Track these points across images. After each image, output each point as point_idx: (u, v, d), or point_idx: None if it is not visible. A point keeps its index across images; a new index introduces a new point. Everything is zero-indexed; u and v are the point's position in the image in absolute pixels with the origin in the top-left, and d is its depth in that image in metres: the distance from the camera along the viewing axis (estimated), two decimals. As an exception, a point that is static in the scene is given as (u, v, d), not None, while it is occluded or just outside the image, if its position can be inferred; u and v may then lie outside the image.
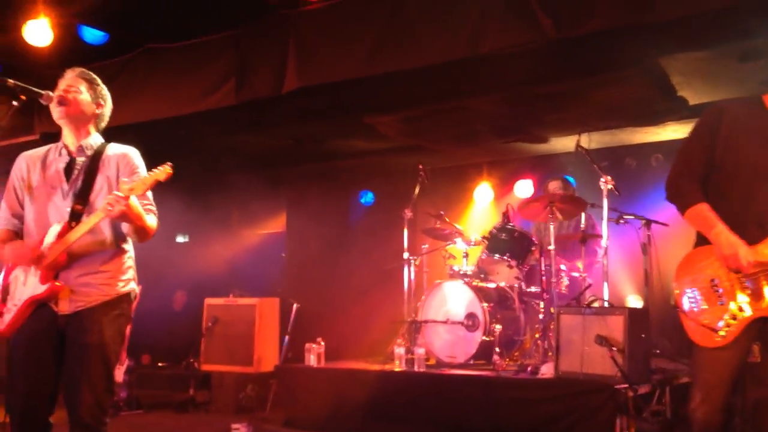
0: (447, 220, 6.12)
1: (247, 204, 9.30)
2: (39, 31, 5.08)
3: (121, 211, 2.66)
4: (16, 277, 2.88)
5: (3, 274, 2.96)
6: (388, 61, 4.76)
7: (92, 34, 5.33)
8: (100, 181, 2.89)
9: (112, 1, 4.98)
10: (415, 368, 5.24)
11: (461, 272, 5.85)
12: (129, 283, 2.97)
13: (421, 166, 6.22)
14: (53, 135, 5.73)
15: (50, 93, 2.82)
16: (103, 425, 2.78)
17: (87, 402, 2.73)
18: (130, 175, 2.91)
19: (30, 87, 2.73)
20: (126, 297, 2.94)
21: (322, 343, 5.71)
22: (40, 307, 2.82)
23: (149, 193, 2.94)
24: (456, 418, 4.83)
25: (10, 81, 2.66)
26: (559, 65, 5.05)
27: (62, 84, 2.94)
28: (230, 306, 6.77)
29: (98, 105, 3.02)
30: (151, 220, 2.90)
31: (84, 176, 2.90)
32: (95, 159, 2.95)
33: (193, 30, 5.45)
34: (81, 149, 2.96)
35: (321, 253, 7.96)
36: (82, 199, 2.84)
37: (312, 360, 5.67)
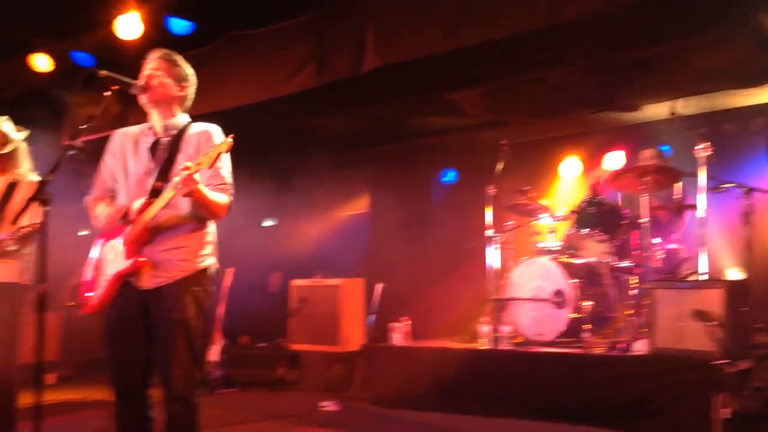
0: (532, 195, 6.00)
1: (330, 186, 9.40)
2: (129, 25, 5.27)
3: (189, 188, 2.72)
4: (106, 254, 3.01)
5: (97, 251, 3.09)
6: (468, 35, 4.67)
7: (179, 25, 5.48)
8: (181, 159, 2.95)
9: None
10: (502, 346, 5.19)
11: (547, 248, 5.74)
12: (207, 258, 3.04)
13: (504, 142, 6.11)
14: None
15: (140, 83, 2.92)
16: (194, 396, 2.89)
17: (177, 376, 2.84)
18: None
19: (121, 77, 2.83)
20: (205, 272, 3.01)
21: (407, 322, 5.73)
22: (127, 282, 2.94)
23: (226, 173, 3.00)
24: (544, 397, 4.76)
25: (102, 72, 2.76)
26: (650, 28, 4.82)
27: (146, 69, 3.02)
28: (316, 287, 6.89)
29: (182, 87, 3.08)
30: (221, 198, 2.94)
31: (166, 155, 2.99)
32: (178, 138, 3.03)
33: (274, 15, 5.51)
34: (166, 129, 3.05)
35: (404, 232, 7.96)
36: (163, 176, 2.92)
37: (397, 339, 5.70)
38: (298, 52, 5.39)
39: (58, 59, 5.92)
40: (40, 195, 2.66)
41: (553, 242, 5.79)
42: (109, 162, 3.11)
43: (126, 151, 3.07)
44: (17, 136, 4.42)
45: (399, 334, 5.70)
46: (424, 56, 4.83)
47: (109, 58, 5.39)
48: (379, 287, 6.31)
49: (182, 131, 3.04)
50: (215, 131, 3.06)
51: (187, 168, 2.70)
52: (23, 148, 4.49)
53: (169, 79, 3.02)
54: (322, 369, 6.56)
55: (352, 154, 8.34)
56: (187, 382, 2.86)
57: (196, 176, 2.74)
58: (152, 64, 3.02)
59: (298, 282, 7.07)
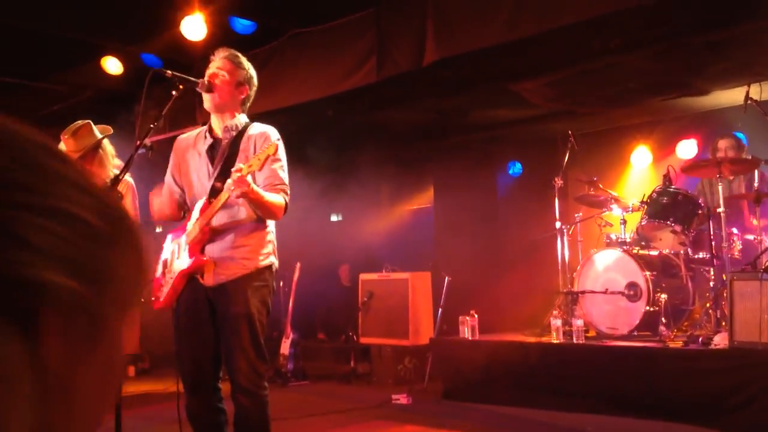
0: (601, 186, 5.85)
1: (395, 180, 9.42)
2: (194, 26, 5.39)
3: (242, 189, 2.74)
4: (173, 252, 3.10)
5: (167, 249, 3.21)
6: (531, 24, 4.57)
7: (242, 24, 5.58)
8: (240, 160, 2.99)
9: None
10: (574, 340, 5.09)
11: (619, 240, 5.60)
12: (269, 257, 3.08)
13: (570, 132, 5.98)
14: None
15: (205, 81, 2.98)
16: (262, 389, 2.94)
17: (243, 369, 2.89)
18: None
19: (187, 76, 2.89)
20: (266, 270, 3.05)
21: (476, 316, 5.69)
22: (191, 279, 3.02)
23: (283, 174, 3.03)
24: (619, 392, 4.65)
25: (169, 72, 2.83)
26: (723, 10, 4.61)
27: (211, 67, 3.07)
28: (384, 281, 6.91)
29: (243, 90, 3.11)
30: (277, 198, 2.96)
31: (226, 157, 3.04)
32: (237, 139, 3.07)
33: (334, 11, 5.54)
34: (226, 130, 3.10)
35: (470, 225, 7.90)
36: (222, 177, 2.96)
37: (466, 332, 5.66)
38: (358, 47, 5.40)
39: (128, 62, 6.12)
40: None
41: (625, 233, 5.64)
42: (173, 168, 3.22)
43: (187, 156, 3.16)
44: (100, 136, 4.60)
45: (468, 328, 5.66)
46: (486, 47, 4.76)
47: (177, 58, 5.53)
48: (447, 280, 6.28)
49: (241, 132, 3.09)
50: (273, 133, 3.09)
51: (239, 170, 2.74)
52: (107, 147, 4.67)
53: (232, 80, 3.06)
54: (392, 362, 6.58)
55: (416, 148, 8.32)
56: (252, 375, 2.91)
57: (249, 178, 2.77)
58: (217, 63, 3.07)
59: (366, 276, 7.10)
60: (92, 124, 4.59)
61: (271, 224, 3.13)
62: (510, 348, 5.35)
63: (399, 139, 7.84)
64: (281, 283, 7.69)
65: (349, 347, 7.23)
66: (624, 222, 5.68)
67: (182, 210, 3.20)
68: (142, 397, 6.55)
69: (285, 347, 6.91)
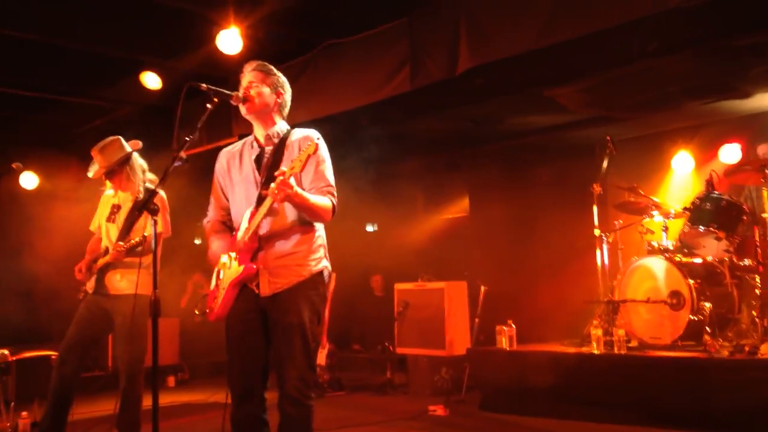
0: (641, 192, 5.74)
1: (430, 189, 9.40)
2: (230, 40, 5.45)
3: (285, 193, 2.74)
4: (224, 264, 3.10)
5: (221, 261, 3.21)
6: (565, 29, 4.51)
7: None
8: (284, 167, 2.96)
9: (293, 3, 5.21)
10: (615, 350, 4.98)
11: (661, 247, 5.47)
12: (321, 261, 3.08)
13: (608, 138, 5.88)
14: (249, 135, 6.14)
15: (239, 94, 3.01)
16: (309, 399, 2.93)
17: (292, 378, 2.89)
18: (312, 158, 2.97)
19: (221, 89, 2.92)
20: (319, 276, 3.05)
21: (513, 326, 5.61)
22: (243, 288, 3.02)
23: (329, 175, 3.04)
24: (662, 403, 4.54)
25: (204, 85, 2.85)
26: (764, 11, 4.49)
27: (243, 81, 3.11)
28: (419, 290, 6.87)
29: (278, 94, 3.15)
30: (323, 200, 2.96)
31: (271, 164, 3.04)
32: (281, 146, 3.09)
33: (368, 22, 5.56)
34: (268, 138, 3.12)
35: (506, 234, 7.83)
36: (268, 185, 2.93)
37: (504, 342, 5.59)
38: (391, 57, 5.41)
39: (167, 76, 6.22)
40: (149, 205, 2.78)
41: (667, 241, 5.52)
42: (218, 182, 3.23)
43: (231, 168, 3.17)
44: (130, 150, 4.69)
45: (505, 338, 5.59)
46: (520, 53, 4.71)
47: (213, 73, 5.60)
48: (483, 290, 6.22)
49: (284, 139, 3.11)
50: (313, 134, 3.09)
51: (281, 173, 2.74)
52: (138, 161, 4.75)
53: (266, 88, 3.09)
54: (429, 373, 6.53)
55: (450, 157, 8.29)
56: (301, 385, 2.90)
57: (292, 181, 2.76)
58: (249, 76, 3.10)
59: (401, 286, 7.07)
60: (122, 139, 4.68)
61: (320, 228, 3.12)
62: (549, 359, 5.26)
63: (433, 148, 7.82)
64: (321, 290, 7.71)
65: (385, 358, 7.20)
66: (666, 229, 5.56)
67: (232, 230, 3.20)
68: (181, 407, 6.62)
69: (321, 358, 6.92)
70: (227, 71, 5.67)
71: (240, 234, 3.03)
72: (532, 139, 7.62)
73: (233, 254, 3.03)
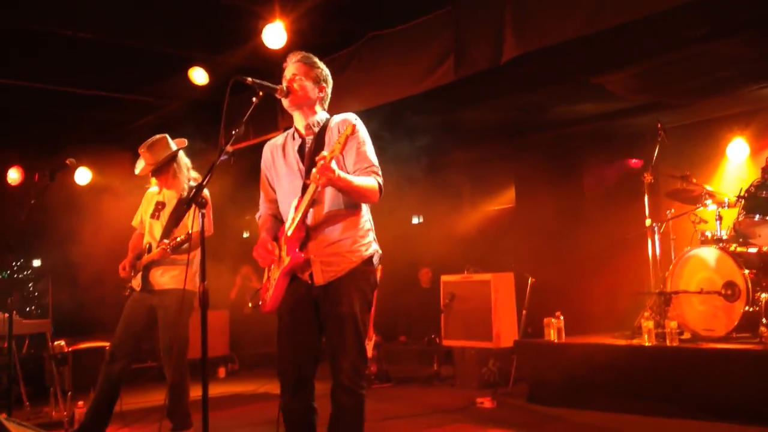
0: (694, 181, 5.59)
1: (476, 181, 9.32)
2: (275, 34, 5.48)
3: (327, 177, 2.73)
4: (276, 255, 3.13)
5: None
6: (614, 14, 4.40)
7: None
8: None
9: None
10: (667, 342, 4.87)
11: (715, 237, 5.33)
12: (371, 246, 3.09)
13: (659, 125, 5.74)
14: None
15: (283, 87, 3.03)
16: (361, 388, 2.97)
17: (345, 368, 2.92)
18: (351, 140, 2.94)
19: (266, 83, 2.94)
20: (369, 261, 3.06)
21: (561, 317, 5.54)
22: (295, 279, 3.05)
23: (371, 155, 3.03)
24: (716, 396, 4.42)
25: (249, 79, 2.87)
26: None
27: (287, 72, 3.12)
28: (465, 282, 6.83)
29: (320, 89, 3.16)
30: (368, 181, 2.95)
31: (313, 152, 3.05)
32: (321, 133, 3.10)
33: (412, 12, 5.53)
34: (309, 128, 3.14)
35: (554, 224, 7.71)
36: (310, 173, 2.94)
37: (552, 335, 5.52)
38: (436, 46, 5.36)
39: (214, 72, 6.30)
40: (196, 199, 2.82)
41: (721, 230, 5.36)
42: (265, 176, 3.26)
43: (276, 160, 3.19)
44: (176, 148, 4.77)
45: (553, 330, 5.52)
46: (567, 40, 4.62)
47: (260, 67, 5.64)
48: (530, 281, 6.15)
49: (324, 126, 3.12)
50: (353, 118, 3.09)
51: (322, 158, 2.74)
52: (183, 159, 4.83)
53: (309, 82, 3.10)
54: (476, 365, 6.50)
55: (497, 147, 8.20)
56: (353, 374, 2.94)
57: (333, 165, 2.76)
58: (291, 68, 3.12)
59: (447, 278, 7.05)
60: (168, 137, 4.77)
61: (366, 212, 3.12)
62: (598, 351, 5.18)
63: (479, 139, 7.74)
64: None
65: (431, 350, 7.18)
66: (720, 218, 5.40)
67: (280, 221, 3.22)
68: (231, 398, 6.73)
69: (368, 350, 6.93)
70: (273, 65, 5.68)
71: (287, 224, 3.05)
72: (580, 128, 7.48)
73: (283, 245, 3.05)
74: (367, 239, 3.07)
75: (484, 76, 5.22)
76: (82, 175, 8.12)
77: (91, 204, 7.41)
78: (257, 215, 3.30)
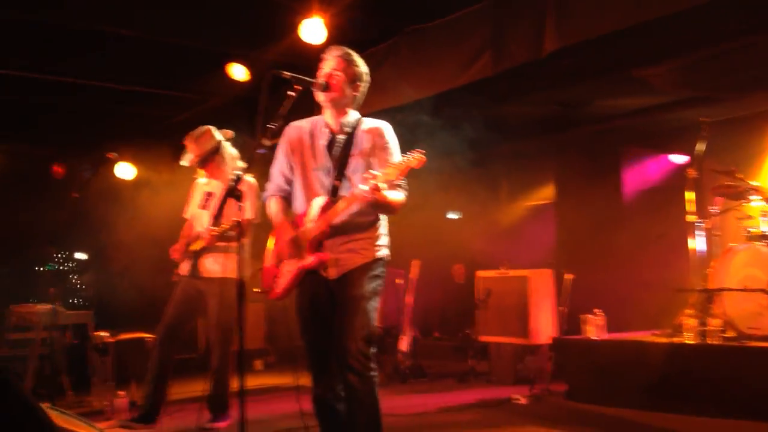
0: (739, 176, 5.44)
1: (514, 176, 9.24)
2: (313, 29, 5.50)
3: (374, 198, 2.83)
4: (288, 246, 3.17)
5: (272, 239, 3.30)
6: (658, 5, 4.31)
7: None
8: (355, 158, 3.09)
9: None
10: (710, 341, 4.77)
11: (760, 233, 5.19)
12: (383, 248, 3.18)
13: (704, 119, 5.60)
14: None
15: (321, 81, 3.03)
16: (370, 370, 2.99)
17: (352, 350, 2.96)
18: (382, 150, 3.08)
19: (303, 77, 2.95)
20: (381, 261, 3.16)
21: (600, 314, 5.46)
22: (310, 273, 3.11)
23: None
24: (760, 396, 4.30)
25: (286, 73, 2.89)
26: None
27: (325, 66, 3.13)
28: (502, 278, 6.77)
29: (356, 87, 3.18)
30: (398, 197, 3.05)
31: (342, 153, 3.10)
32: (351, 136, 3.13)
33: (451, 5, 5.49)
34: (341, 128, 3.16)
35: (594, 220, 7.59)
36: (341, 175, 3.06)
37: (591, 332, 5.45)
38: (474, 40, 5.31)
39: (254, 67, 6.35)
40: (234, 191, 2.86)
41: (766, 227, 5.22)
42: (284, 158, 3.26)
43: (303, 147, 3.21)
44: (221, 139, 4.85)
45: (593, 327, 5.44)
46: (609, 33, 4.53)
47: (298, 62, 5.67)
48: (568, 278, 6.07)
49: (355, 128, 3.15)
50: (386, 129, 3.16)
51: (374, 177, 2.80)
52: (229, 150, 4.91)
53: (346, 79, 3.12)
54: (512, 361, 6.45)
55: (536, 142, 8.11)
56: (360, 357, 2.96)
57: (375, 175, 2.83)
58: (331, 62, 3.13)
59: (483, 273, 7.00)
60: (213, 128, 4.84)
61: (384, 217, 3.20)
62: (638, 348, 5.09)
63: (518, 134, 7.66)
64: (399, 281, 7.74)
65: (466, 345, 7.15)
66: (765, 214, 5.27)
67: (290, 205, 3.28)
68: (268, 390, 6.80)
69: (403, 345, 6.94)
70: (311, 60, 5.72)
71: (310, 220, 3.08)
72: (622, 123, 7.35)
73: (301, 239, 3.10)
74: (380, 242, 3.16)
75: (524, 70, 5.17)
76: (125, 170, 8.27)
77: (133, 198, 7.54)
78: (266, 194, 3.32)
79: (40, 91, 6.96)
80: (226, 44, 6.22)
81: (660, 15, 4.31)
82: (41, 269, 8.54)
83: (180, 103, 7.68)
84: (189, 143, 4.81)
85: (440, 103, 6.13)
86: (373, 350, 3.02)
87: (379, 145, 3.09)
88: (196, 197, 4.98)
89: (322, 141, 3.17)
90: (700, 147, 5.57)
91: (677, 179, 5.77)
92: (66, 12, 5.31)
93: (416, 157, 2.81)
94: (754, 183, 5.44)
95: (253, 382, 6.98)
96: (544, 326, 6.43)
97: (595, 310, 5.50)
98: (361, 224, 3.10)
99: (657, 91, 6.11)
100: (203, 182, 4.99)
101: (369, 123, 3.17)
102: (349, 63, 3.13)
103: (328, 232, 3.05)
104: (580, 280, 6.14)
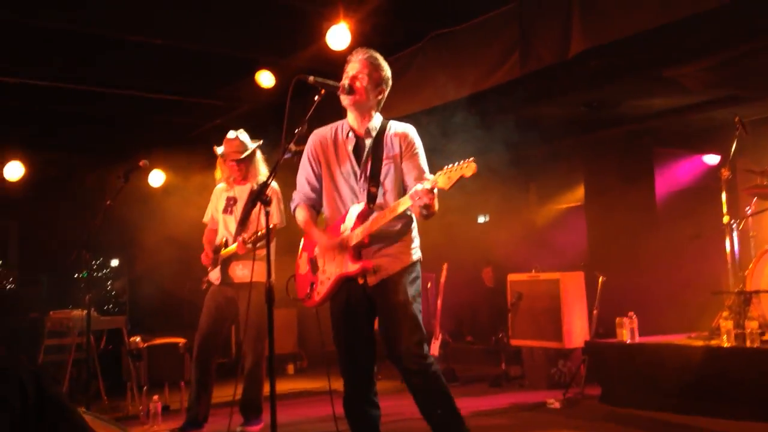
0: (774, 175, 5.34)
1: (543, 178, 9.16)
2: (339, 36, 5.52)
3: (425, 203, 2.83)
4: (325, 253, 3.20)
5: (303, 246, 3.33)
6: (688, 4, 4.24)
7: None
8: (386, 163, 3.11)
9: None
10: (748, 344, 4.66)
11: (798, 234, 5.07)
12: (417, 251, 3.21)
13: (737, 118, 5.50)
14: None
15: (345, 84, 3.05)
16: (428, 366, 3.02)
17: (406, 353, 3.00)
18: (412, 155, 3.11)
19: (328, 81, 2.97)
20: (417, 263, 3.19)
21: (634, 317, 5.38)
22: (348, 279, 3.12)
23: (427, 169, 3.14)
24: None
25: (311, 78, 2.92)
26: None
27: (350, 69, 3.14)
28: (533, 281, 6.72)
29: (381, 91, 3.19)
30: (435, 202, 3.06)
31: (372, 159, 3.12)
32: (379, 140, 3.14)
33: (477, 8, 5.47)
34: (367, 132, 3.16)
35: (625, 222, 7.50)
36: (375, 181, 3.07)
37: (624, 335, 5.38)
38: (500, 42, 5.29)
39: (281, 74, 6.40)
40: (261, 197, 2.88)
41: (805, 226, 5.11)
42: (309, 166, 3.27)
43: (327, 152, 3.22)
44: (253, 145, 4.90)
45: (626, 330, 5.37)
46: (638, 32, 4.47)
47: (324, 68, 5.70)
48: (601, 280, 5.99)
49: (381, 132, 3.17)
50: (413, 133, 3.18)
51: (432, 185, 2.80)
52: (259, 156, 4.96)
53: (371, 83, 3.13)
54: (545, 365, 6.39)
55: (564, 144, 8.04)
56: (416, 357, 2.99)
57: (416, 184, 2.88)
58: (356, 65, 3.14)
59: (514, 276, 6.95)
60: (244, 133, 4.91)
61: (414, 219, 3.23)
62: (674, 352, 5.01)
63: (547, 136, 7.60)
64: (429, 284, 7.72)
65: (499, 349, 7.10)
66: (803, 214, 5.15)
67: (317, 212, 3.31)
68: (300, 394, 6.82)
69: (434, 348, 6.91)
70: (336, 67, 5.75)
71: (347, 228, 3.09)
72: (653, 123, 7.26)
73: (341, 246, 3.10)
74: (414, 244, 3.19)
75: (551, 71, 5.13)
76: (156, 177, 8.39)
77: (164, 205, 7.64)
78: (293, 203, 3.32)
79: (74, 100, 7.09)
80: (255, 51, 6.27)
81: (687, 15, 4.25)
82: (78, 276, 8.69)
83: (209, 111, 7.76)
84: (233, 139, 4.85)
85: (468, 106, 6.11)
86: (426, 346, 3.05)
87: (408, 150, 3.12)
88: (218, 203, 5.01)
89: (349, 146, 3.17)
90: (734, 147, 5.47)
91: (711, 180, 5.68)
92: (97, 21, 5.41)
93: (469, 166, 2.75)
94: (790, 182, 5.33)
95: (285, 386, 7.02)
96: (578, 329, 6.35)
97: (629, 313, 5.43)
98: (397, 229, 3.12)
99: (688, 90, 6.02)
100: (222, 187, 5.02)
101: (396, 127, 3.18)
102: (374, 66, 3.14)
103: (368, 238, 3.06)
104: (613, 283, 6.07)
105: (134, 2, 5.21)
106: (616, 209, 7.62)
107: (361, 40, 5.45)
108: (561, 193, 9.08)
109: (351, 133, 3.19)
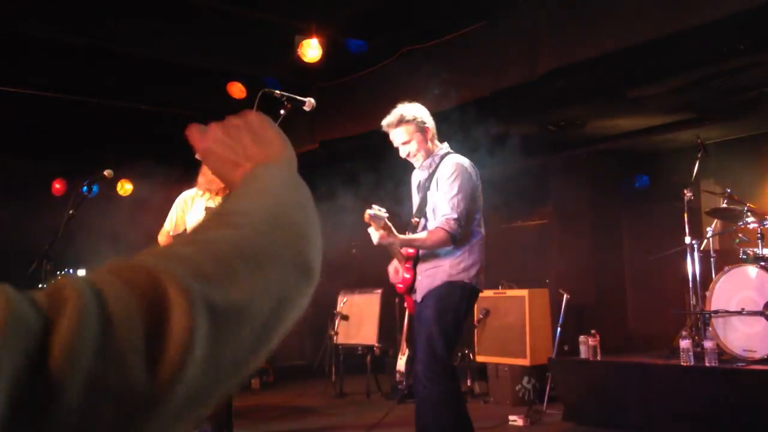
0: (736, 198, 5.44)
1: (510, 196, 9.23)
2: (311, 49, 5.55)
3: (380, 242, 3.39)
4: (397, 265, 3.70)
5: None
6: (652, 28, 4.34)
7: (356, 45, 5.70)
8: (431, 195, 3.54)
9: (369, 11, 5.27)
10: (706, 363, 4.74)
11: (757, 256, 5.17)
12: (459, 275, 3.44)
13: (699, 140, 5.61)
14: (331, 142, 6.22)
15: (311, 100, 3.06)
16: (434, 384, 3.26)
17: (418, 372, 3.32)
18: (441, 189, 3.52)
19: (294, 96, 2.98)
20: (456, 285, 3.41)
21: (597, 335, 5.44)
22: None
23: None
24: (756, 420, 4.28)
25: (277, 91, 2.92)
26: None
27: (395, 142, 3.49)
28: (499, 298, 6.76)
29: (425, 131, 3.50)
30: (422, 236, 3.52)
31: (424, 188, 3.58)
32: (433, 172, 3.53)
33: (446, 27, 5.53)
34: (429, 164, 3.59)
35: (591, 241, 7.59)
36: (419, 214, 3.61)
37: (587, 352, 5.43)
38: (470, 61, 5.35)
39: (252, 86, 6.39)
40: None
41: (764, 249, 5.21)
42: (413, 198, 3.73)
43: (413, 185, 3.69)
44: None
45: (589, 348, 5.42)
46: (603, 54, 4.56)
47: (296, 80, 5.73)
48: (565, 298, 6.05)
49: (436, 167, 3.49)
50: (449, 165, 3.44)
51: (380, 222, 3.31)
52: None
53: (414, 140, 3.42)
54: (510, 382, 6.41)
55: (533, 163, 8.12)
56: (425, 370, 3.26)
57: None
58: (393, 137, 3.47)
59: (481, 293, 6.96)
60: None
61: (471, 244, 3.53)
62: (635, 370, 5.07)
63: (514, 154, 7.67)
64: (396, 300, 7.71)
65: (464, 366, 7.11)
66: (762, 236, 5.26)
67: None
68: (266, 408, 6.76)
69: (401, 364, 6.89)
70: (309, 79, 5.78)
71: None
72: (619, 143, 7.37)
73: (404, 260, 3.60)
74: (461, 266, 3.41)
75: (519, 90, 5.19)
76: (122, 187, 8.31)
77: (132, 214, 7.56)
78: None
79: (41, 107, 7.01)
80: (226, 63, 6.27)
81: (654, 37, 4.35)
82: (42, 287, 8.54)
83: (182, 122, 7.70)
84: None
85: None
86: (438, 366, 3.26)
87: (441, 183, 3.41)
88: (189, 209, 4.88)
89: (420, 178, 3.62)
90: (696, 168, 5.59)
91: (674, 200, 5.77)
92: (70, 29, 5.37)
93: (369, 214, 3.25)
94: (750, 205, 5.44)
95: (251, 401, 6.95)
96: (542, 347, 6.39)
97: (592, 331, 5.48)
98: (441, 251, 3.40)
99: (652, 112, 6.13)
100: (195, 194, 4.85)
101: (448, 159, 3.48)
102: (407, 123, 3.40)
103: (413, 255, 3.51)
104: (577, 301, 6.13)
105: (106, 12, 5.18)
106: (583, 227, 7.72)
107: (332, 53, 5.50)
108: (529, 210, 9.15)
109: (425, 168, 3.62)
